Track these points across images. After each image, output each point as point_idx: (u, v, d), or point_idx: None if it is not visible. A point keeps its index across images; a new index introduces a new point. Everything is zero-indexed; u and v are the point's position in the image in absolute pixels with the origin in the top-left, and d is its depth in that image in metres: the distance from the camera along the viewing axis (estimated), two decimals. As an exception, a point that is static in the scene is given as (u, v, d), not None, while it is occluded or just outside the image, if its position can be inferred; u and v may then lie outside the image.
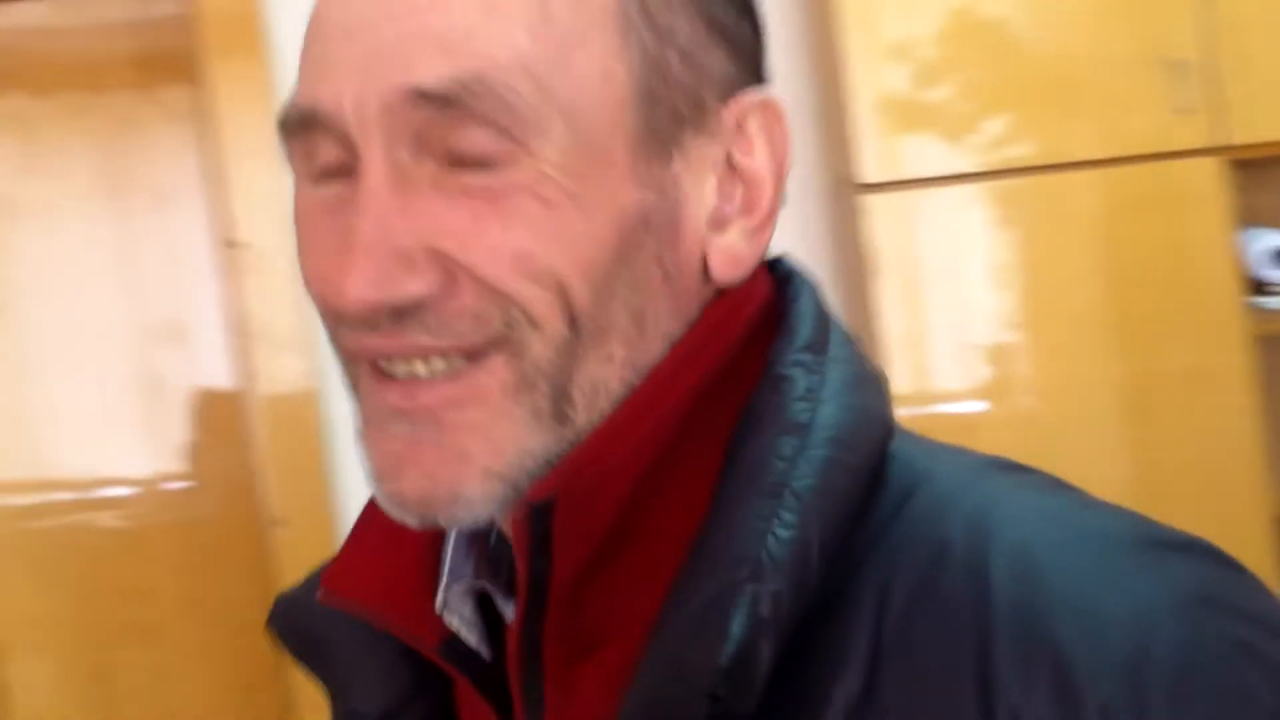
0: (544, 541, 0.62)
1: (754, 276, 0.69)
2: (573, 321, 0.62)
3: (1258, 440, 2.41)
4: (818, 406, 0.63)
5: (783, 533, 0.59)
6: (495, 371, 0.62)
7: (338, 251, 0.61)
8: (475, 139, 0.60)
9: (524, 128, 0.60)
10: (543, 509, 0.61)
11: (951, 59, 2.41)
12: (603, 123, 0.62)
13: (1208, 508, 2.36)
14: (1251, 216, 2.59)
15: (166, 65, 2.78)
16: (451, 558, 0.71)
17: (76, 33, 2.82)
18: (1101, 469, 2.39)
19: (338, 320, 0.63)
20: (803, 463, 0.62)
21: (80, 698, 2.75)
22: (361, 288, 0.59)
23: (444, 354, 0.62)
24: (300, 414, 2.60)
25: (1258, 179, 2.62)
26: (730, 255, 0.67)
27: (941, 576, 0.59)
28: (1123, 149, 2.41)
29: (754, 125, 0.68)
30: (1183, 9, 2.40)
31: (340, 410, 2.54)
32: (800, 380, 0.64)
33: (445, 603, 0.70)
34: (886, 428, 0.66)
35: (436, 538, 0.71)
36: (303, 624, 0.76)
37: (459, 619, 0.70)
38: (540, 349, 0.62)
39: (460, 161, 0.61)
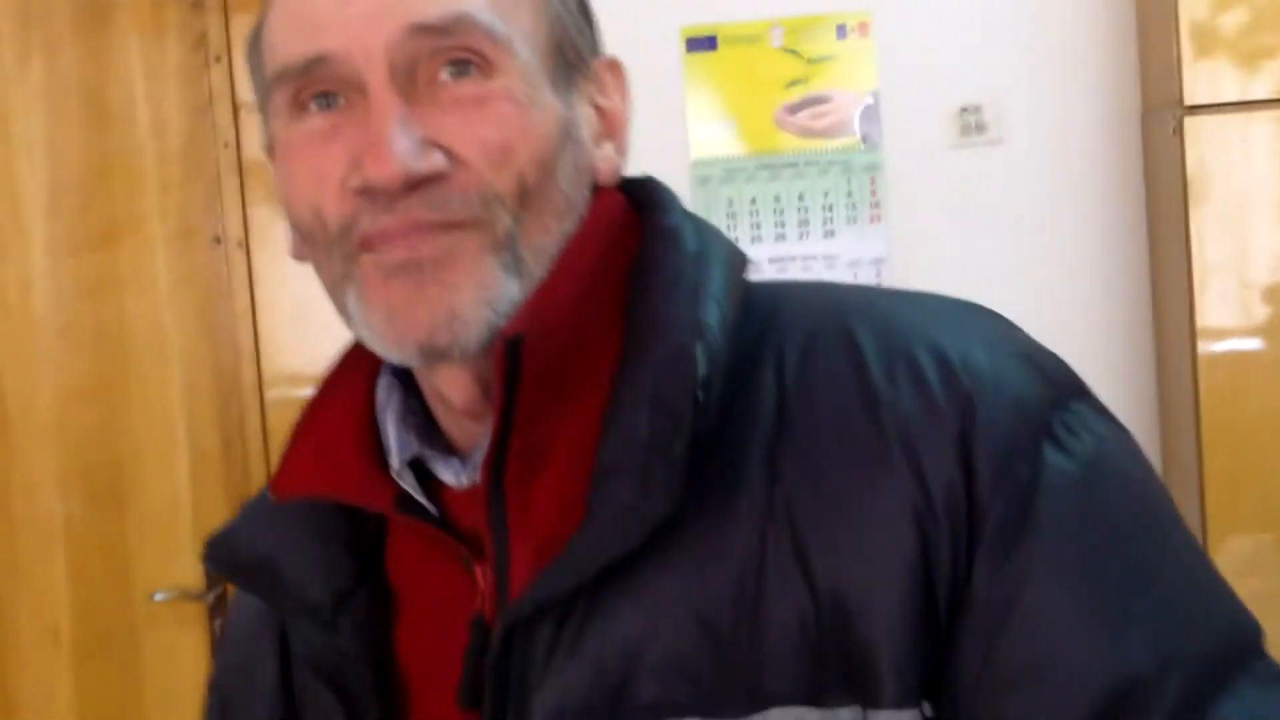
0: (514, 372, 0.80)
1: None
2: (527, 201, 0.81)
3: None
4: (707, 243, 0.86)
5: (710, 313, 0.80)
6: (473, 238, 0.80)
7: (353, 152, 0.79)
8: (459, 61, 0.80)
9: (498, 50, 0.81)
10: (515, 343, 0.79)
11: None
12: (539, 55, 0.84)
13: None
14: None
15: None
16: (395, 437, 0.88)
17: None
18: None
19: (348, 214, 0.80)
20: (707, 274, 0.83)
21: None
22: (394, 163, 0.77)
23: (432, 228, 0.79)
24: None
25: None
26: (609, 162, 0.89)
27: (820, 339, 0.82)
28: None
29: (608, 77, 0.91)
30: None
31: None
32: (687, 229, 0.87)
33: (400, 471, 0.87)
34: (744, 258, 0.89)
35: (367, 433, 0.89)
36: (245, 552, 0.92)
37: (409, 485, 0.87)
38: (506, 222, 0.81)
39: (446, 79, 0.80)
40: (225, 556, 0.93)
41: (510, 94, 0.81)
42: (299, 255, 0.88)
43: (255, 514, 0.94)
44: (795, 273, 2.74)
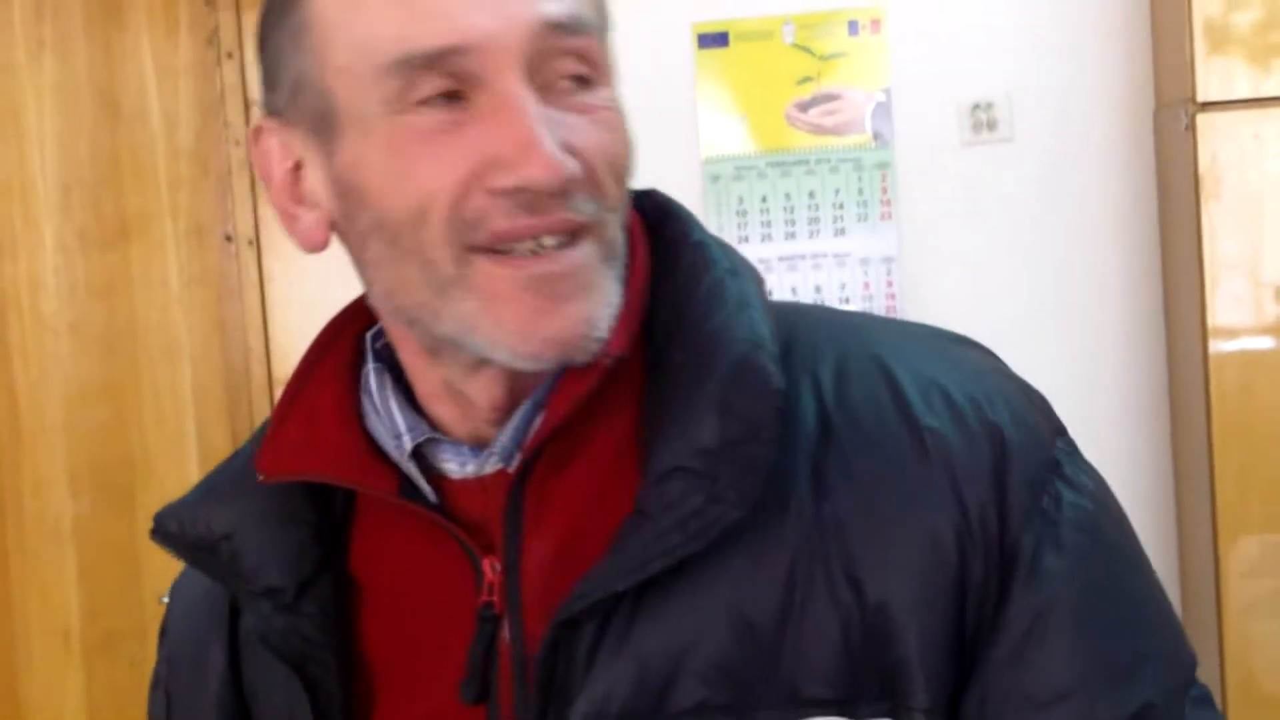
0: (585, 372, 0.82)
1: None
2: (622, 207, 0.84)
3: None
4: (734, 260, 0.88)
5: (762, 327, 0.83)
6: (593, 246, 0.81)
7: (484, 149, 0.78)
8: (575, 66, 0.81)
9: (598, 56, 0.82)
10: (621, 359, 0.82)
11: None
12: (611, 57, 0.85)
13: None
14: None
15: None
16: (404, 421, 0.88)
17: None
18: None
19: (478, 209, 0.79)
20: (748, 290, 0.85)
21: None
22: (555, 165, 0.77)
23: (567, 230, 0.80)
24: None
25: None
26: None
27: (851, 362, 0.85)
28: None
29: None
30: None
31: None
32: (713, 244, 0.88)
33: (404, 454, 0.87)
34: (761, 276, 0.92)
35: (356, 416, 0.89)
36: (199, 528, 0.90)
37: (414, 470, 0.87)
38: (612, 230, 0.83)
39: (560, 81, 0.81)
40: (176, 531, 0.92)
41: (616, 104, 0.83)
42: (316, 244, 0.87)
43: (211, 491, 0.93)
44: (806, 270, 2.73)
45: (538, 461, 0.84)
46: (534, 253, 0.80)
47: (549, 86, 0.80)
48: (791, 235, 2.73)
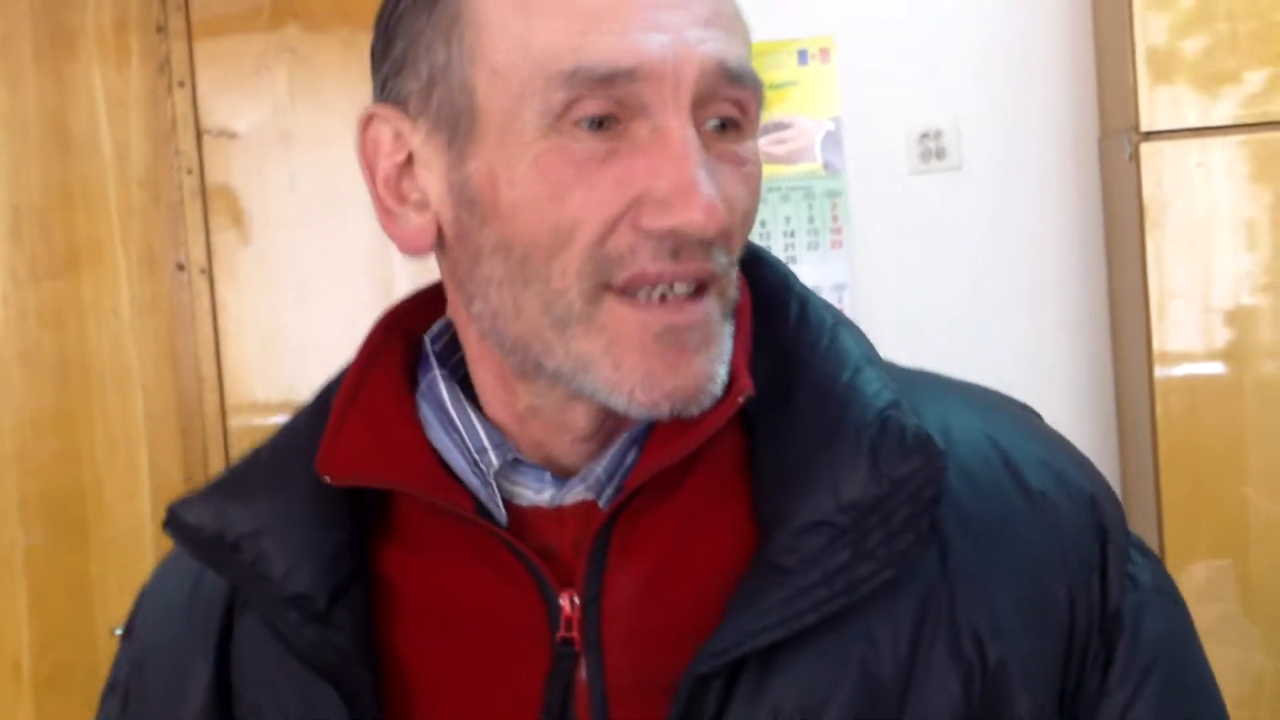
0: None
1: None
2: (736, 261, 0.82)
3: None
4: (834, 311, 0.87)
5: (890, 384, 0.82)
6: (715, 301, 0.80)
7: (634, 184, 0.76)
8: (731, 112, 0.79)
9: (755, 109, 0.80)
10: (751, 399, 0.81)
11: (1212, 9, 2.30)
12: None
13: None
14: None
15: None
16: (488, 437, 0.84)
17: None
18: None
19: (622, 248, 0.76)
20: (864, 344, 0.85)
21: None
22: (717, 214, 0.75)
23: (701, 280, 0.78)
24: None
25: None
26: None
27: (954, 419, 0.84)
28: None
29: None
30: None
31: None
32: (811, 295, 0.87)
33: (488, 470, 0.83)
34: None
35: (417, 422, 0.86)
36: (220, 523, 0.85)
37: (491, 492, 0.84)
38: (733, 287, 0.82)
39: (712, 130, 0.78)
40: (194, 524, 0.86)
41: (758, 158, 0.81)
42: (419, 248, 0.83)
43: (236, 486, 0.87)
44: (758, 298, 2.74)
45: (633, 497, 0.81)
46: (663, 298, 0.77)
47: (701, 129, 0.78)
48: (744, 263, 2.75)
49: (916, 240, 2.73)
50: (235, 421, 2.94)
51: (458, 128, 0.79)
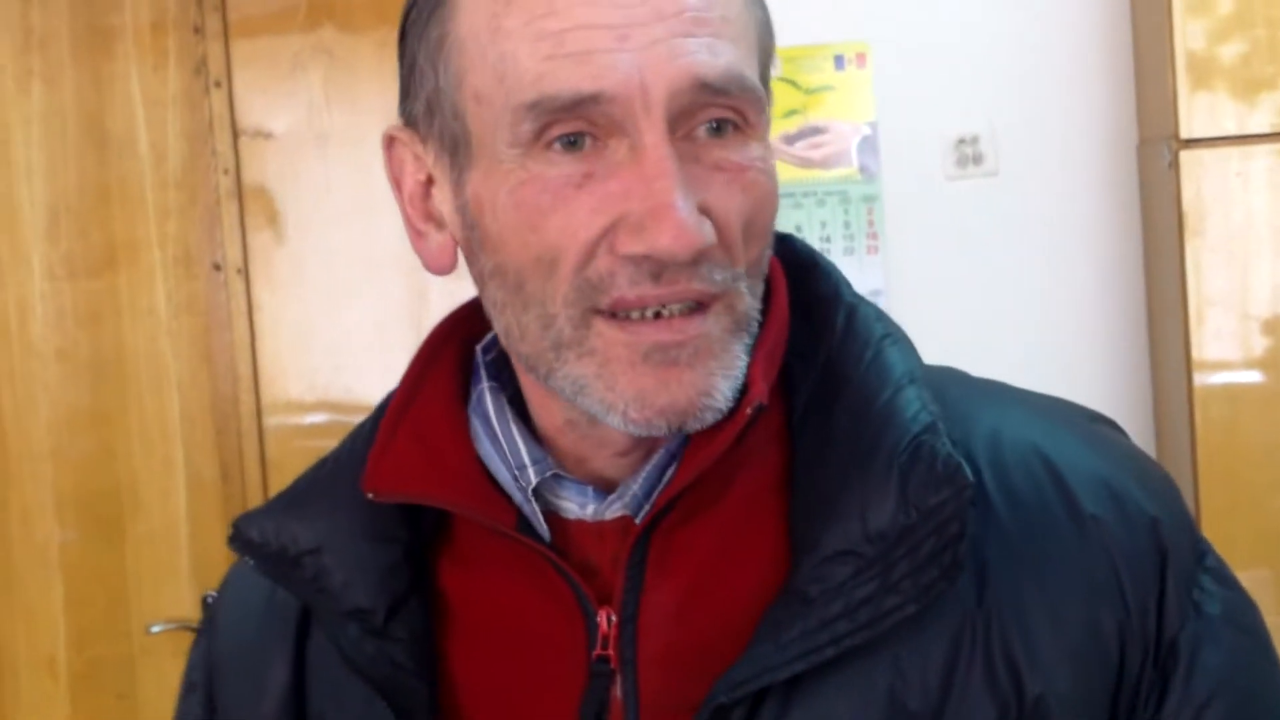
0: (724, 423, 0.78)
1: None
2: (755, 272, 0.79)
3: None
4: (886, 323, 0.84)
5: (932, 406, 0.79)
6: (719, 317, 0.77)
7: (615, 209, 0.74)
8: (721, 120, 0.76)
9: (756, 114, 0.77)
10: (759, 410, 0.78)
11: (1250, 15, 2.29)
12: (768, 111, 0.80)
13: None
14: None
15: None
16: (528, 453, 0.83)
17: (388, -31, 2.90)
18: None
19: (604, 273, 0.75)
20: (911, 360, 0.82)
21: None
22: (690, 236, 0.73)
23: (696, 299, 0.76)
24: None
25: None
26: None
27: (1003, 435, 0.81)
28: None
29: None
30: None
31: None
32: (863, 305, 0.84)
33: (528, 487, 0.83)
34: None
35: (466, 435, 0.85)
36: (283, 539, 0.86)
37: (533, 507, 0.83)
38: (746, 300, 0.78)
39: (704, 136, 0.76)
40: (258, 540, 0.87)
41: (764, 164, 0.78)
42: (442, 267, 0.84)
43: (297, 501, 0.88)
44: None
45: (668, 512, 0.80)
46: (657, 315, 0.76)
47: (689, 136, 0.76)
48: (778, 267, 2.74)
49: (953, 246, 2.72)
50: (270, 420, 2.95)
51: (456, 152, 0.79)
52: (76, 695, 2.96)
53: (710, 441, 0.79)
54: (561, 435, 0.84)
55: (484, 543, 0.85)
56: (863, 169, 2.74)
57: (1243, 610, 0.82)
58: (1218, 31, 2.33)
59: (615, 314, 0.76)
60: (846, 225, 2.73)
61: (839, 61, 2.75)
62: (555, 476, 0.83)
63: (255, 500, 2.92)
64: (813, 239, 2.72)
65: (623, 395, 0.76)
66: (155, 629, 2.89)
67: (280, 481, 2.91)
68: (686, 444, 0.80)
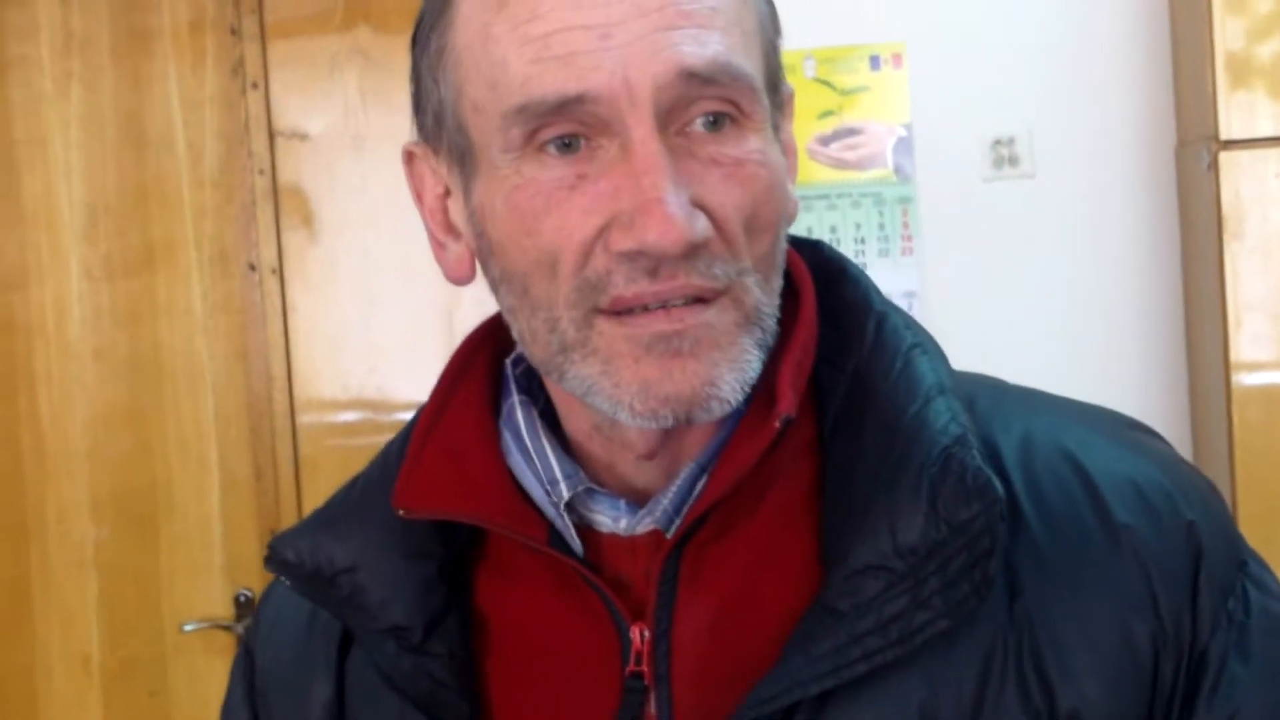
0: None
1: None
2: (767, 268, 0.78)
3: None
4: (917, 332, 0.83)
5: (963, 418, 0.78)
6: (726, 310, 0.76)
7: (606, 209, 0.74)
8: (713, 112, 0.75)
9: (745, 103, 0.76)
10: (787, 422, 0.77)
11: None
12: (766, 101, 0.78)
13: None
14: None
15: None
16: (560, 468, 0.83)
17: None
18: None
19: (601, 272, 0.75)
20: (944, 372, 0.81)
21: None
22: (679, 229, 0.72)
23: (696, 294, 0.75)
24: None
25: None
26: (794, 203, 0.82)
27: (1036, 444, 0.80)
28: None
29: (789, 108, 0.84)
30: None
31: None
32: (893, 314, 0.83)
33: (560, 502, 0.82)
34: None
35: (497, 449, 0.85)
36: (319, 558, 0.85)
37: (566, 522, 0.82)
38: (755, 294, 0.77)
39: (698, 130, 0.75)
40: (294, 560, 0.87)
41: (762, 156, 0.77)
42: (461, 277, 0.84)
43: (331, 520, 0.88)
44: (827, 304, 2.73)
45: (700, 527, 0.80)
46: (661, 308, 0.75)
47: (683, 131, 0.75)
48: (813, 269, 2.73)
49: (988, 248, 2.70)
50: (303, 419, 2.96)
51: (463, 163, 0.80)
52: (109, 693, 2.98)
53: (739, 454, 0.78)
54: (590, 440, 0.83)
55: (518, 557, 0.85)
56: (898, 170, 2.73)
57: None
58: (1257, 31, 2.31)
59: (617, 312, 0.76)
60: (881, 227, 2.72)
61: (875, 62, 2.74)
62: (588, 490, 0.83)
63: (288, 500, 2.93)
64: (847, 240, 2.71)
65: (628, 389, 0.76)
66: (188, 627, 2.91)
67: (313, 481, 2.94)
68: (717, 458, 0.80)
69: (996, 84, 2.71)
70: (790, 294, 0.83)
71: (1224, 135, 2.33)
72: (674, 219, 0.72)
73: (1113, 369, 2.65)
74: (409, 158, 0.85)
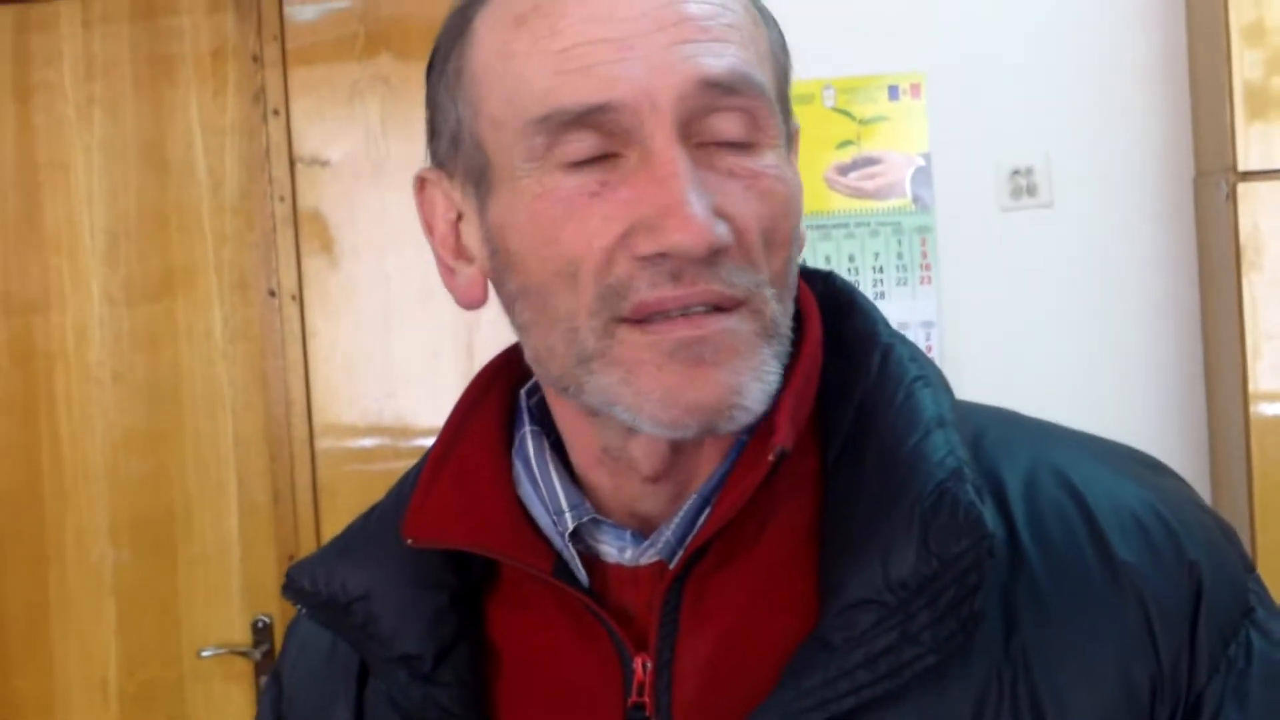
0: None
1: None
2: (784, 284, 0.79)
3: None
4: (922, 365, 0.82)
5: (961, 451, 0.77)
6: (746, 320, 0.76)
7: (631, 215, 0.74)
8: (736, 126, 0.76)
9: (762, 116, 0.77)
10: (782, 456, 0.76)
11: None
12: (781, 121, 0.80)
13: None
14: None
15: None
16: (566, 497, 0.83)
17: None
18: None
19: (622, 278, 0.75)
20: (946, 405, 0.80)
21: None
22: (702, 231, 0.73)
23: (715, 302, 0.75)
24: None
25: None
26: (801, 231, 0.83)
27: (1039, 478, 0.80)
28: None
29: (795, 144, 0.85)
30: None
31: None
32: (899, 345, 0.83)
33: (565, 532, 0.82)
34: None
35: (507, 479, 0.85)
36: (334, 587, 0.86)
37: (572, 552, 0.82)
38: (773, 307, 0.77)
39: (721, 144, 0.76)
40: (310, 589, 0.87)
41: (779, 170, 0.78)
42: (473, 301, 0.85)
43: (347, 549, 0.88)
44: (845, 333, 2.73)
45: (701, 558, 0.80)
46: (683, 315, 0.75)
47: (706, 146, 0.76)
48: (830, 297, 2.73)
49: (1006, 278, 2.70)
50: (322, 445, 2.97)
51: (480, 182, 0.81)
52: (127, 718, 2.98)
53: (738, 486, 0.78)
54: (598, 467, 0.83)
55: (527, 587, 0.85)
56: (916, 200, 2.73)
57: None
58: (1276, 62, 2.31)
59: (639, 320, 0.76)
60: (900, 256, 2.72)
61: (893, 92, 2.74)
62: (594, 520, 0.83)
63: (306, 525, 2.93)
64: (865, 270, 2.72)
65: (650, 396, 0.76)
66: (206, 653, 2.91)
67: (331, 506, 2.94)
68: (720, 488, 0.80)
69: (1014, 114, 2.71)
70: (796, 324, 0.83)
71: (1242, 166, 2.33)
72: (697, 219, 0.73)
73: (1131, 399, 2.65)
74: (420, 184, 0.86)
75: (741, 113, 0.77)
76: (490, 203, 0.80)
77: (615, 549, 0.83)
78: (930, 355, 2.76)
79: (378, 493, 0.92)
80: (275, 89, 2.98)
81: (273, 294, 2.97)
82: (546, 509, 0.84)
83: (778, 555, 0.80)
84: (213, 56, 3.00)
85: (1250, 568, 0.82)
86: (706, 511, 0.80)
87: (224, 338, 2.99)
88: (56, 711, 2.99)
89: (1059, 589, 0.77)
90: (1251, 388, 2.34)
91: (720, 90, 0.76)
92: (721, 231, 0.74)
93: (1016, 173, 2.70)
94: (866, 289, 2.73)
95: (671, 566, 0.80)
